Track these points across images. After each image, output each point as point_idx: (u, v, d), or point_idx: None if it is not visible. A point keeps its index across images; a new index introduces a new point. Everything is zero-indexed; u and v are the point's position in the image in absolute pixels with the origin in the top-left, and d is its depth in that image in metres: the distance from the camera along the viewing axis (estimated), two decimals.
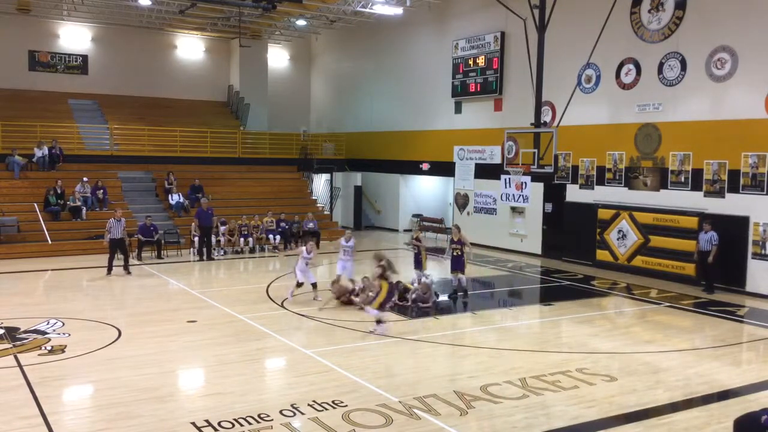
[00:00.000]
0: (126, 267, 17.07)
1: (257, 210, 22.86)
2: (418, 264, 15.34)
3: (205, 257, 19.70)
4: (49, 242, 19.93)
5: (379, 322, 11.41)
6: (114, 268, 16.91)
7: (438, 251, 22.20)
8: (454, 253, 14.88)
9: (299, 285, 13.95)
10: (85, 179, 22.03)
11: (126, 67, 28.74)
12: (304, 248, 14.20)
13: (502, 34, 22.09)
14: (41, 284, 16.40)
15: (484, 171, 23.06)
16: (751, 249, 15.59)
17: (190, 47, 30.57)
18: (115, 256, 16.99)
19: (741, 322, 13.40)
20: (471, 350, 10.91)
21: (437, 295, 14.34)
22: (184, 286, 15.95)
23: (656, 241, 17.42)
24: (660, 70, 17.52)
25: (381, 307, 11.43)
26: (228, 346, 10.75)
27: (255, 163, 27.18)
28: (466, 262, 15.08)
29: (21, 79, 26.76)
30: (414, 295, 13.88)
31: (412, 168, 26.60)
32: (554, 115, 20.07)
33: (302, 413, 7.91)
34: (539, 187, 20.32)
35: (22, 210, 20.69)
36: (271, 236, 21.75)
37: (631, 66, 18.27)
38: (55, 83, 27.48)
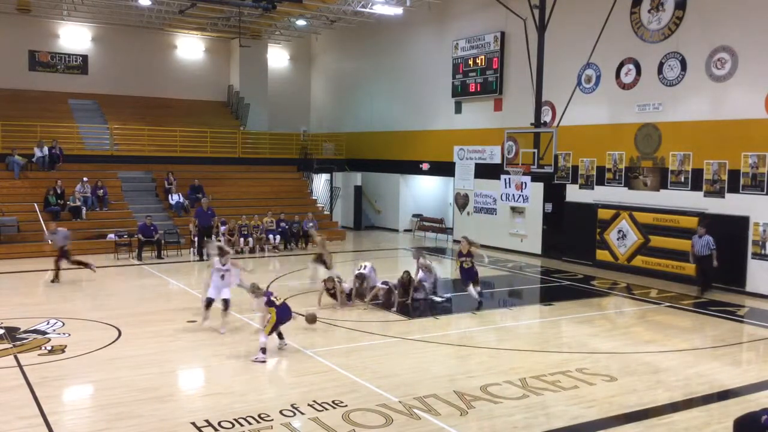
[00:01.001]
0: (86, 265, 16.12)
1: (257, 210, 22.85)
2: (324, 263, 15.09)
3: (205, 257, 19.68)
4: (50, 242, 19.88)
5: (264, 350, 9.98)
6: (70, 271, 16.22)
7: (437, 251, 22.22)
8: (464, 266, 13.93)
9: (208, 305, 11.55)
10: (85, 179, 22.02)
11: (126, 67, 28.74)
12: (216, 258, 11.52)
13: (502, 34, 22.09)
14: (41, 284, 16.38)
15: (484, 171, 23.05)
16: (751, 249, 15.59)
17: (190, 47, 30.57)
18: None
19: (741, 322, 13.40)
20: (471, 350, 10.91)
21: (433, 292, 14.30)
22: (184, 286, 15.95)
23: (656, 241, 17.42)
24: (660, 70, 17.52)
25: (271, 333, 10.19)
26: (228, 346, 10.74)
27: (255, 163, 27.18)
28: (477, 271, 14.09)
29: (21, 79, 26.75)
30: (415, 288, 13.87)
31: (412, 168, 26.60)
32: (554, 115, 20.06)
33: (302, 413, 7.91)
34: (539, 187, 20.31)
35: (22, 210, 20.67)
36: (271, 236, 21.75)
37: (631, 66, 18.26)
38: (55, 83, 27.48)
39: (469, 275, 13.95)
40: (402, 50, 26.92)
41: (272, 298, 10.29)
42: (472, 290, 13.83)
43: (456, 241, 24.19)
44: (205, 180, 24.22)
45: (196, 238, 20.05)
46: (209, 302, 11.57)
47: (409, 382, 9.13)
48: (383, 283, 13.94)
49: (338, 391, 8.67)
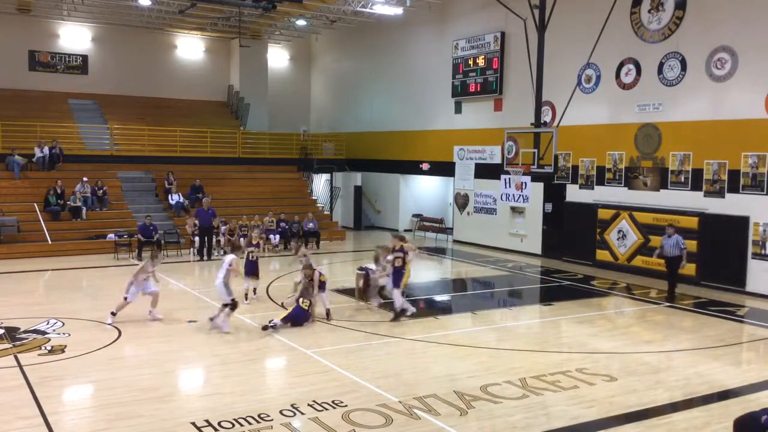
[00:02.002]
0: None
1: (257, 210, 22.86)
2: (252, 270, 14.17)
3: (205, 257, 19.70)
4: (49, 242, 19.92)
5: (272, 321, 11.70)
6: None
7: (438, 251, 22.21)
8: (395, 264, 12.57)
9: (234, 307, 11.63)
10: (85, 179, 22.03)
11: (126, 67, 28.74)
12: (231, 257, 11.83)
13: (502, 34, 22.08)
14: (41, 284, 16.39)
15: (484, 171, 23.05)
16: (751, 249, 15.59)
17: (190, 47, 30.57)
18: None
19: (741, 322, 13.40)
20: (471, 350, 10.90)
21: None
22: (184, 286, 15.95)
23: (656, 241, 17.30)
24: (660, 70, 17.51)
25: (284, 319, 11.79)
26: (228, 346, 10.75)
27: (255, 163, 27.18)
28: (409, 271, 12.81)
29: (21, 79, 26.75)
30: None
31: (412, 168, 26.59)
32: (554, 115, 20.06)
33: (302, 413, 7.91)
34: (539, 187, 20.30)
35: (22, 210, 20.67)
36: (271, 236, 21.74)
37: (631, 66, 18.26)
38: (55, 83, 27.48)
39: (395, 275, 12.55)
40: (402, 50, 26.92)
41: (299, 298, 12.05)
42: (397, 297, 12.53)
43: (456, 242, 24.22)
44: (205, 180, 24.22)
45: (196, 238, 20.04)
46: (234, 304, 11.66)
47: (409, 382, 9.13)
48: (360, 269, 13.72)
49: (338, 391, 8.67)
